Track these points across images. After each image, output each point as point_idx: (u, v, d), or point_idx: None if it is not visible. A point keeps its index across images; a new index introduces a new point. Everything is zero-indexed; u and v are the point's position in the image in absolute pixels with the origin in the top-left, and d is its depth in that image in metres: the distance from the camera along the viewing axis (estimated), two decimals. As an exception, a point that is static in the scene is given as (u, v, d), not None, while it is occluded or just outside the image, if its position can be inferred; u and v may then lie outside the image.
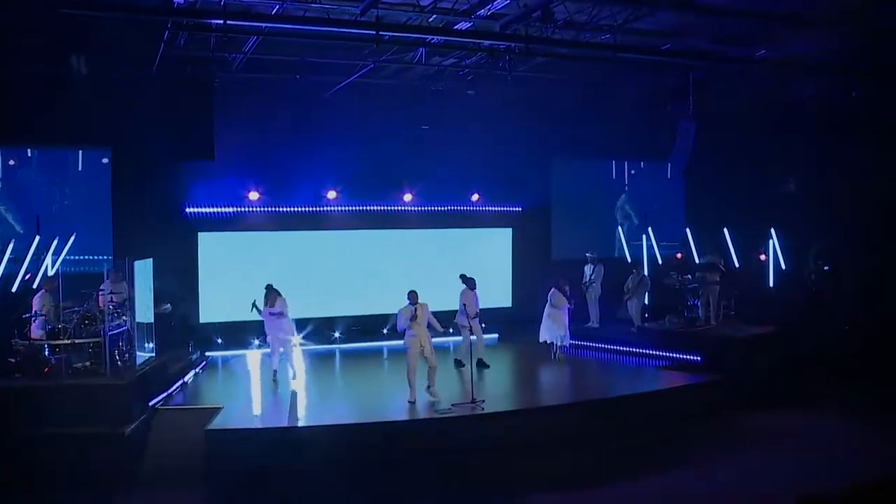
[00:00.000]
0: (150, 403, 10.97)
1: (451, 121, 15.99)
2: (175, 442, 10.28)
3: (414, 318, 11.25)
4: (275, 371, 12.85)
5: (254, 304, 12.52)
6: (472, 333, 13.58)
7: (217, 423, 10.40)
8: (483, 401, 11.15)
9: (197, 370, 13.64)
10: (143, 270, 11.93)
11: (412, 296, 11.41)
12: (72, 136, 14.05)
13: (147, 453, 10.23)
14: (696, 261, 15.89)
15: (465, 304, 13.02)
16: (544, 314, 14.31)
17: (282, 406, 11.72)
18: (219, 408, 11.09)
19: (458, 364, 13.97)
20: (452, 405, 11.08)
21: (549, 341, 14.37)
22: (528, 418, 11.12)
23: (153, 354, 12.03)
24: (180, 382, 12.48)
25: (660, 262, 17.01)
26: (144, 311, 11.86)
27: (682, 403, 12.30)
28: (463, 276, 13.84)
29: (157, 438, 10.51)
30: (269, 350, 13.01)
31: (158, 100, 13.11)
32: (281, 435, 10.21)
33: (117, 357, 10.88)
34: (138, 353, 11.49)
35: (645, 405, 11.96)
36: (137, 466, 9.94)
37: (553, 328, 14.21)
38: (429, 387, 11.48)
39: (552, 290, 14.23)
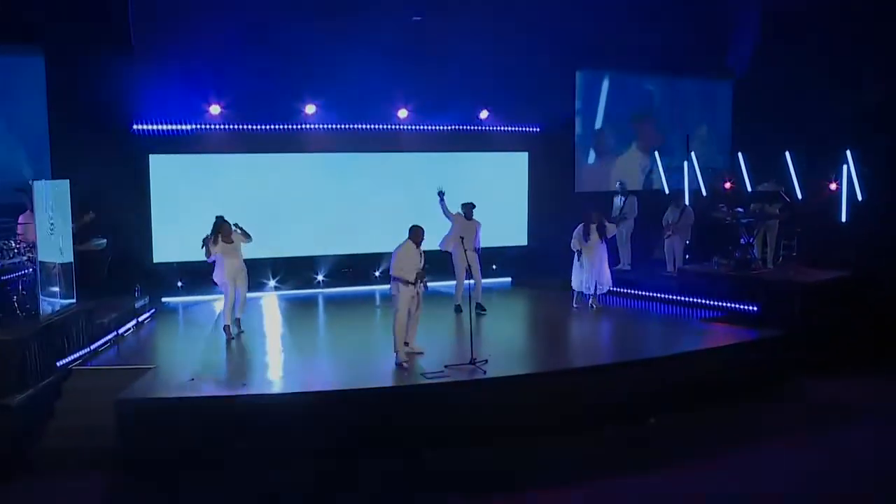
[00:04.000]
0: (60, 363, 8.94)
1: (455, 17, 13.56)
2: (90, 413, 8.31)
3: (421, 268, 9.28)
4: (238, 320, 10.94)
5: (204, 242, 10.42)
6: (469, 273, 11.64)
7: (136, 389, 8.38)
8: (486, 361, 9.16)
9: (140, 320, 11.63)
10: (58, 195, 9.77)
11: (417, 233, 9.33)
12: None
13: (50, 428, 8.27)
14: (749, 189, 13.53)
15: (461, 237, 10.86)
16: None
17: (233, 367, 9.74)
18: (149, 368, 9.13)
19: (458, 310, 12.03)
20: (445, 367, 9.07)
21: (576, 290, 12.52)
22: (542, 384, 9.05)
23: (73, 301, 9.94)
24: (112, 336, 10.45)
25: (703, 193, 14.63)
26: (59, 246, 9.71)
27: (739, 365, 10.17)
28: (464, 205, 12.01)
29: (69, 408, 8.56)
30: (224, 297, 10.96)
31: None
32: (218, 406, 8.19)
33: (16, 305, 8.83)
34: (50, 300, 9.42)
35: (691, 367, 9.81)
36: (35, 445, 7.98)
37: (581, 273, 12.32)
38: (406, 343, 9.52)
39: (579, 226, 12.29)
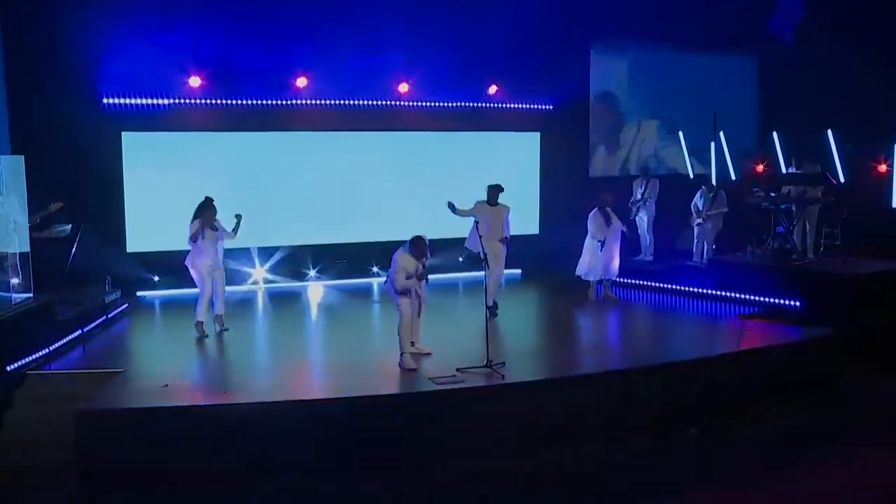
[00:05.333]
0: (12, 367, 7.88)
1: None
2: (48, 424, 7.28)
3: (419, 274, 8.41)
4: (220, 317, 9.96)
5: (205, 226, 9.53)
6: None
7: (101, 397, 7.34)
8: (502, 364, 8.16)
9: (109, 317, 10.57)
10: (12, 173, 8.68)
11: (420, 248, 8.36)
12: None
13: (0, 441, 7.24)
14: (784, 172, 12.59)
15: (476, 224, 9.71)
16: (584, 245, 11.57)
17: (214, 371, 8.71)
18: (117, 372, 8.09)
19: (492, 311, 10.68)
20: (458, 370, 8.06)
21: (590, 279, 11.64)
22: (569, 390, 7.99)
23: (30, 296, 8.87)
24: (75, 335, 9.38)
25: (733, 176, 13.65)
26: (13, 233, 8.64)
27: (791, 366, 9.20)
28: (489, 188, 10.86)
29: (22, 419, 7.51)
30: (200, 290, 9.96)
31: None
32: (196, 417, 7.11)
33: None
34: (2, 294, 8.38)
35: (737, 369, 8.81)
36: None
37: (592, 262, 11.48)
38: (412, 343, 8.60)
39: (593, 211, 11.39)
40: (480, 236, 9.37)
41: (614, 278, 11.71)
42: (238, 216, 9.77)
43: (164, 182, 12.22)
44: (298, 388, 8.05)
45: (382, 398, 7.63)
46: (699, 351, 9.24)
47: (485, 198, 10.73)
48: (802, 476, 7.19)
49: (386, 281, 8.64)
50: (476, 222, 9.67)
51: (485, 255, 9.20)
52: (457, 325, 10.48)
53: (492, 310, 10.46)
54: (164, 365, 8.58)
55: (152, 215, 12.20)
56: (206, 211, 9.63)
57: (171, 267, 12.03)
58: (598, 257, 11.38)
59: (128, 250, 12.45)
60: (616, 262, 11.51)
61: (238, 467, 6.92)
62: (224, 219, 9.86)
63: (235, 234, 9.87)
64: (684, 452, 7.67)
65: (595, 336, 10.67)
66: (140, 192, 12.38)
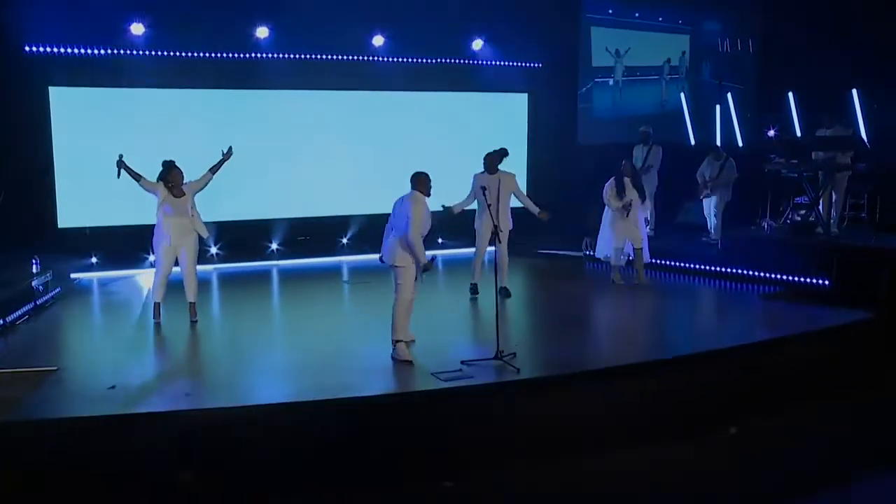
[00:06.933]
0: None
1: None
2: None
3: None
4: (192, 305, 8.89)
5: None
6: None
7: (31, 403, 6.19)
8: (513, 355, 7.21)
9: (38, 304, 9.40)
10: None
11: (424, 182, 7.56)
12: None
13: None
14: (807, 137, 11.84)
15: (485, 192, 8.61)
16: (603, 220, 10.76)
17: (170, 369, 7.52)
18: (51, 371, 6.97)
19: (473, 291, 10.08)
20: (463, 363, 7.11)
21: (609, 259, 10.79)
22: (591, 386, 7.08)
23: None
24: (-5, 325, 8.16)
25: (740, 143, 12.92)
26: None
27: (834, 351, 8.35)
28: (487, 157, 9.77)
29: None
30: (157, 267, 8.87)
31: None
32: (151, 426, 5.97)
33: None
34: None
35: (777, 357, 7.96)
36: None
37: (610, 239, 10.60)
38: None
39: (610, 181, 10.50)
40: (489, 205, 8.37)
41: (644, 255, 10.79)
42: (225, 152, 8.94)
43: (101, 147, 10.98)
44: (273, 389, 6.93)
45: (376, 400, 6.58)
46: (734, 338, 8.32)
47: (483, 170, 9.74)
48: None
49: (387, 250, 7.52)
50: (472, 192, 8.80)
51: (496, 224, 8.34)
52: (447, 310, 9.55)
53: (504, 292, 9.65)
54: (107, 362, 7.39)
55: (88, 185, 11.16)
56: (169, 176, 8.54)
57: (111, 245, 11.45)
58: (615, 235, 10.51)
59: (59, 226, 11.49)
60: (626, 242, 10.67)
61: (204, 487, 5.78)
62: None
63: (213, 173, 8.89)
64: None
65: (607, 322, 9.66)
66: (73, 158, 11.38)
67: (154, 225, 8.63)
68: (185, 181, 8.62)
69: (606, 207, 10.54)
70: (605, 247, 10.69)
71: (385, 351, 7.45)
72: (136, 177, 8.49)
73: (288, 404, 6.36)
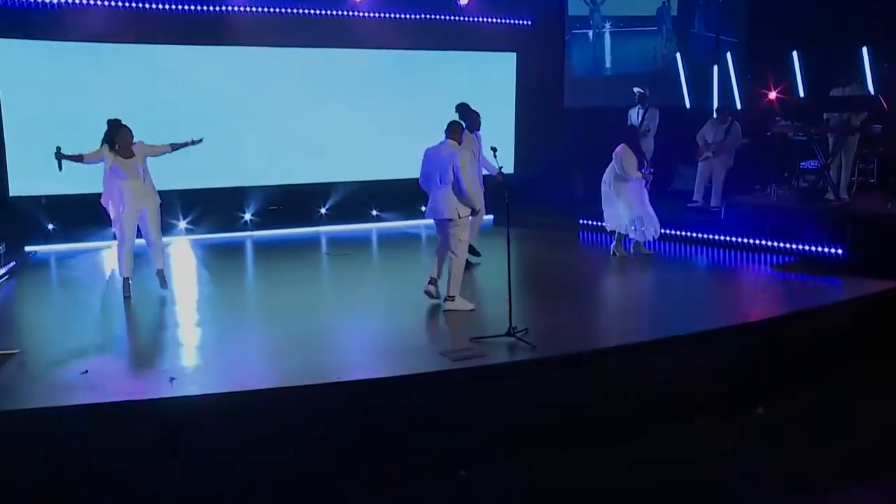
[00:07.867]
0: None
1: None
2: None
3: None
4: (161, 272, 8.41)
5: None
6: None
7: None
8: (525, 331, 6.67)
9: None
10: None
11: (458, 130, 7.84)
12: None
13: None
14: (802, 96, 11.47)
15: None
16: (604, 190, 10.22)
17: (146, 351, 6.93)
18: (10, 354, 6.34)
19: (473, 254, 9.55)
20: (472, 340, 6.63)
21: (617, 231, 10.24)
22: (614, 364, 6.58)
23: None
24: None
25: (738, 105, 12.55)
26: None
27: (862, 324, 7.99)
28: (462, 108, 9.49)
29: None
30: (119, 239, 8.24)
31: None
32: (132, 415, 5.39)
33: None
34: None
35: (802, 331, 7.55)
36: None
37: (622, 211, 10.07)
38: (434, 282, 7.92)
39: (620, 147, 9.91)
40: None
41: (654, 235, 10.32)
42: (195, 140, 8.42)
43: (53, 106, 10.70)
44: (266, 372, 6.31)
45: (383, 382, 5.99)
46: (754, 310, 7.98)
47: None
48: None
49: (439, 204, 7.53)
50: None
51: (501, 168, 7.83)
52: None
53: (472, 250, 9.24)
54: (75, 344, 6.75)
55: (42, 148, 10.11)
56: (116, 136, 7.91)
57: (67, 213, 10.98)
58: (613, 202, 10.03)
59: (11, 194, 10.98)
60: (636, 216, 10.15)
61: (192, 482, 5.29)
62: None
63: (173, 150, 8.35)
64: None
65: (617, 296, 9.19)
66: (21, 119, 10.87)
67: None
68: (135, 141, 8.01)
69: (610, 177, 9.99)
70: (617, 219, 10.13)
71: (381, 328, 7.15)
72: (78, 158, 7.84)
73: (288, 388, 5.76)
